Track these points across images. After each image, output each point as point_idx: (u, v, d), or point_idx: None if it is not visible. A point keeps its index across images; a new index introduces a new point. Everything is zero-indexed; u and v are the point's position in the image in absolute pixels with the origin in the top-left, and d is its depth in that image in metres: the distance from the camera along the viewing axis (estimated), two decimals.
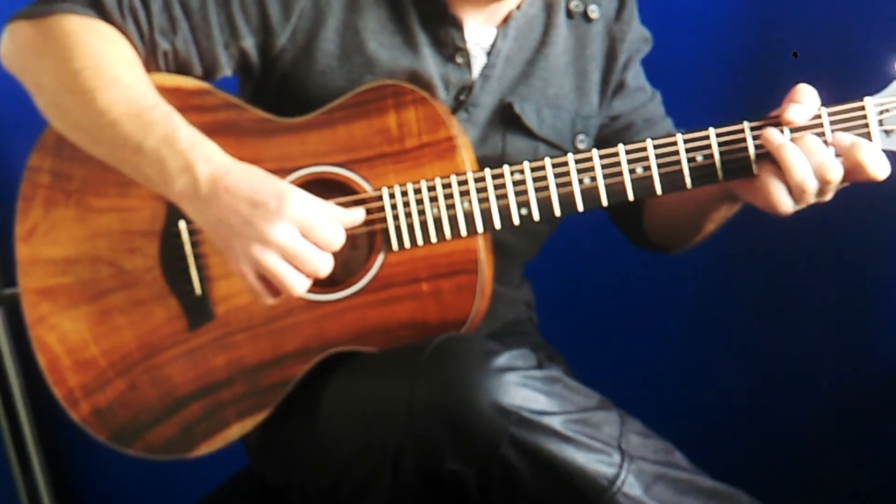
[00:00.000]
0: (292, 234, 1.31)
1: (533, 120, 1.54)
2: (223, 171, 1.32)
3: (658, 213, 1.59)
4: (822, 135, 1.32)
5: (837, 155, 1.31)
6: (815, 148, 1.30)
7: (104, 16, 1.41)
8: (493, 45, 1.52)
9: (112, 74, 1.37)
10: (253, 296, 1.36)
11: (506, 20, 1.52)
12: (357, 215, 1.38)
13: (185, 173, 1.32)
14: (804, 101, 1.32)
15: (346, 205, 1.40)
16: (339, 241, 1.34)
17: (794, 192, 1.31)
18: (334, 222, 1.34)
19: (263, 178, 1.33)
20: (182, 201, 1.34)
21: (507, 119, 1.53)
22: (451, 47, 1.49)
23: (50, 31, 1.39)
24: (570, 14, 1.57)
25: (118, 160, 1.38)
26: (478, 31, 1.51)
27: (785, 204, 1.32)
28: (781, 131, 1.32)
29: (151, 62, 1.43)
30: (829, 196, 1.33)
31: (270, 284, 1.34)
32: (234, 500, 1.68)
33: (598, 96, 1.60)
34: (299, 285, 1.33)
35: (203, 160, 1.32)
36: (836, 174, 1.30)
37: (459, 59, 1.50)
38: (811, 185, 1.30)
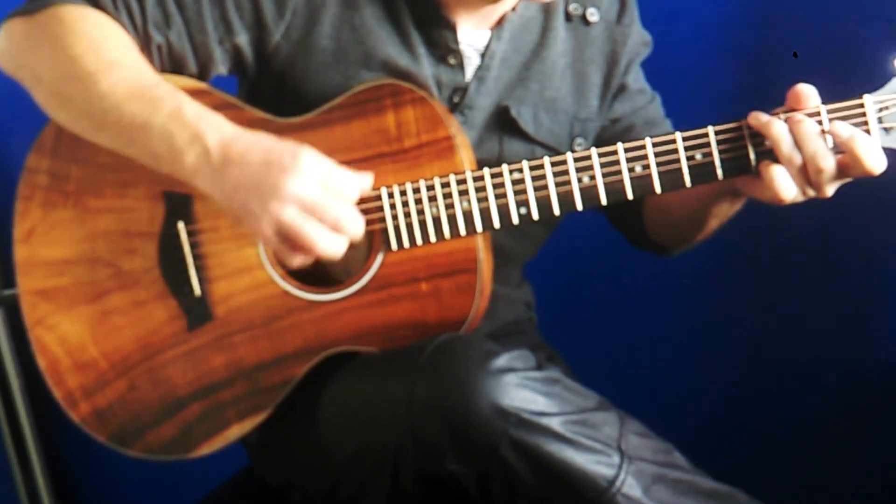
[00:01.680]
0: (310, 186, 1.29)
1: (529, 124, 1.53)
2: (233, 138, 1.31)
3: (659, 210, 1.59)
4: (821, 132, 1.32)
5: (836, 145, 1.30)
6: (810, 135, 1.30)
7: (98, 8, 1.40)
8: (486, 47, 1.51)
9: (112, 57, 1.36)
10: (281, 256, 1.33)
11: (500, 22, 1.51)
12: (366, 180, 1.36)
13: (194, 144, 1.31)
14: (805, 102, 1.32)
15: None
16: (355, 192, 1.32)
17: (787, 167, 1.30)
18: (350, 174, 1.33)
19: (275, 141, 1.32)
20: (195, 174, 1.32)
21: (503, 123, 1.53)
22: (443, 48, 1.49)
23: (45, 23, 1.39)
24: (568, 17, 1.57)
25: (125, 142, 1.37)
26: (471, 33, 1.51)
27: (784, 189, 1.31)
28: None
29: (145, 55, 1.42)
30: (826, 189, 1.32)
31: (294, 243, 1.31)
32: (234, 500, 1.68)
33: (599, 99, 1.60)
34: (324, 240, 1.30)
35: (212, 129, 1.31)
36: (828, 163, 1.29)
37: (452, 61, 1.50)
38: (798, 160, 1.30)
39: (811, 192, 1.33)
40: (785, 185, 1.32)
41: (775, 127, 1.31)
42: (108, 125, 1.37)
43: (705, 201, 1.48)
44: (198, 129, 1.31)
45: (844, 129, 1.30)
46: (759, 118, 1.33)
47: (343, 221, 1.30)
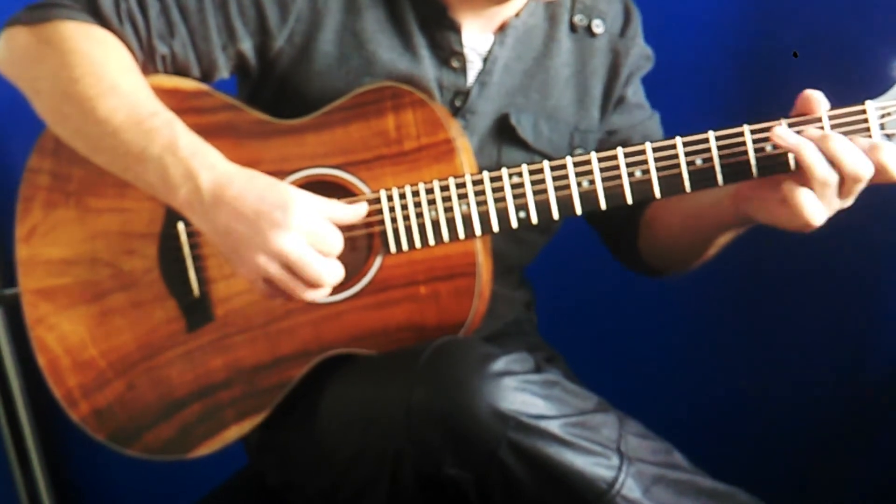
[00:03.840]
0: (296, 244, 1.31)
1: (528, 132, 1.53)
2: (226, 180, 1.32)
3: (658, 237, 1.58)
4: None
5: None
6: (846, 149, 1.26)
7: (102, 21, 1.40)
8: (489, 52, 1.51)
9: (111, 82, 1.36)
10: (263, 298, 1.37)
11: (503, 28, 1.51)
12: (360, 209, 1.38)
13: (187, 182, 1.32)
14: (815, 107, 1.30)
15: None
16: (339, 245, 1.34)
17: (818, 189, 1.27)
18: (335, 229, 1.34)
19: (267, 186, 1.33)
20: (185, 209, 1.34)
21: (502, 130, 1.53)
22: (447, 51, 1.49)
23: (47, 38, 1.39)
24: (573, 28, 1.57)
25: (120, 168, 1.38)
26: (475, 37, 1.51)
27: (814, 212, 1.28)
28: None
29: (149, 66, 1.43)
30: (852, 199, 1.30)
31: (279, 289, 1.34)
32: (234, 500, 1.69)
33: (600, 111, 1.60)
34: (303, 293, 1.34)
35: (206, 168, 1.32)
36: (869, 171, 1.26)
37: (455, 63, 1.49)
38: (833, 179, 1.27)
39: (838, 205, 1.30)
40: (814, 210, 1.28)
41: (807, 151, 1.26)
42: (104, 150, 1.38)
43: (712, 235, 1.48)
44: (191, 166, 1.32)
45: (864, 141, 1.27)
46: (785, 139, 1.28)
47: (324, 279, 1.33)
